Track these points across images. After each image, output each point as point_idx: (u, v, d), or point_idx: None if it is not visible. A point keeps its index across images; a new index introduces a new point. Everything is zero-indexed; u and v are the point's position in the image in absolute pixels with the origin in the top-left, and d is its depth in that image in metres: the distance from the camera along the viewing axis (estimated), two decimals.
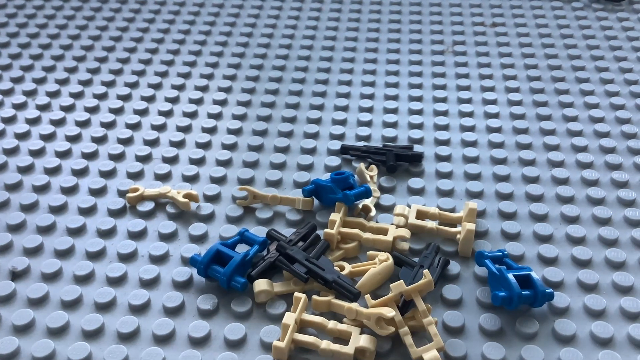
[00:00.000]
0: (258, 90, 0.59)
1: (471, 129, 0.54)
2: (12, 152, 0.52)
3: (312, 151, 0.52)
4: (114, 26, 0.68)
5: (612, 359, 0.37)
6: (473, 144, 0.53)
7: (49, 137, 0.53)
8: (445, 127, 0.55)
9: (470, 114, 0.56)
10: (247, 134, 0.54)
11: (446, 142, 0.53)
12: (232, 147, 0.53)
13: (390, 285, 0.38)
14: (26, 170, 0.50)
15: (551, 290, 0.39)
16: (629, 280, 0.41)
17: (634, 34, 0.67)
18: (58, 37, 0.66)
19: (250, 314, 0.40)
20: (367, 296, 0.38)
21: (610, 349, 0.38)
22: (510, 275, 0.39)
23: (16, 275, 0.42)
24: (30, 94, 0.58)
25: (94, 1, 0.72)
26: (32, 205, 0.47)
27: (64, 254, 0.43)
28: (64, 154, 0.52)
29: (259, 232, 0.44)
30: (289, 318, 0.37)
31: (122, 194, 0.48)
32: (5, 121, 0.55)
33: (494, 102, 0.58)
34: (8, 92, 0.58)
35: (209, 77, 0.61)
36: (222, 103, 0.58)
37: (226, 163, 0.51)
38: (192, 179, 0.50)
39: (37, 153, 0.52)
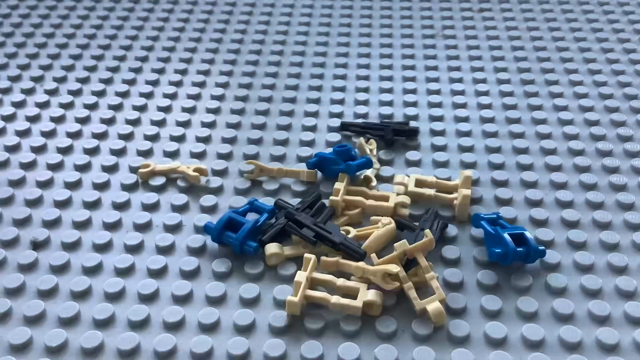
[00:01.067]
0: (258, 74, 0.62)
1: (463, 105, 0.57)
2: (24, 133, 0.54)
3: (313, 128, 0.55)
4: (115, 16, 0.70)
5: (602, 307, 0.40)
6: (465, 119, 0.56)
7: (59, 120, 0.55)
8: (439, 105, 0.58)
9: (461, 92, 0.59)
10: (250, 114, 0.57)
11: (440, 118, 0.56)
12: (236, 126, 0.55)
13: (395, 244, 0.41)
14: (39, 150, 0.52)
15: (543, 247, 0.42)
16: (616, 238, 0.44)
17: (614, 17, 0.70)
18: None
19: (263, 276, 0.42)
20: (373, 255, 0.41)
21: (600, 299, 0.40)
22: (506, 234, 0.41)
23: (37, 245, 0.44)
24: (38, 80, 0.60)
25: None
26: (48, 182, 0.49)
27: (82, 225, 0.45)
28: (75, 135, 0.54)
29: (267, 202, 0.47)
30: (301, 276, 0.40)
31: (133, 170, 0.50)
32: (16, 105, 0.57)
33: (483, 81, 0.61)
34: (17, 79, 0.60)
35: (211, 61, 0.63)
36: (225, 85, 0.60)
37: (232, 140, 0.53)
38: (199, 156, 0.52)
39: (49, 134, 0.54)
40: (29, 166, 0.50)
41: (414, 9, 0.72)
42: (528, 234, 0.42)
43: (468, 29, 0.69)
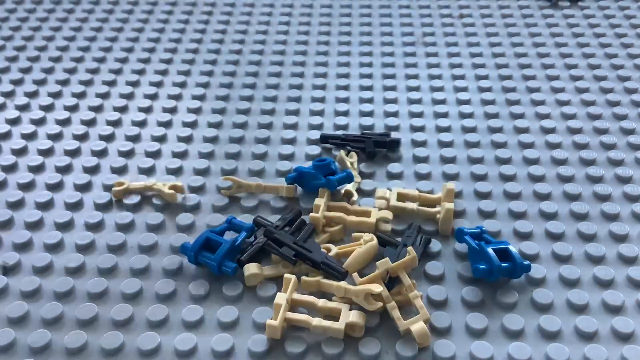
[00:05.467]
0: (235, 85, 0.60)
1: (444, 115, 0.56)
2: None
3: (292, 141, 0.54)
4: (88, 27, 0.69)
5: (588, 323, 0.39)
6: (447, 129, 0.55)
7: (30, 137, 0.54)
8: (420, 115, 0.57)
9: (442, 101, 0.58)
10: (228, 127, 0.55)
11: (421, 129, 0.55)
12: (213, 140, 0.54)
13: (377, 262, 0.40)
14: (10, 169, 0.50)
15: (528, 262, 0.41)
16: (601, 250, 0.43)
17: (594, 21, 0.70)
18: (32, 39, 0.67)
19: (242, 297, 0.41)
20: (355, 274, 0.40)
21: (587, 314, 0.40)
22: (490, 249, 0.41)
23: (8, 270, 0.42)
24: (9, 95, 0.59)
25: (67, 3, 0.72)
26: (18, 203, 0.47)
27: (54, 247, 0.44)
28: (46, 152, 0.52)
29: (246, 219, 0.45)
30: (281, 298, 0.38)
31: (107, 188, 0.49)
32: None
33: (464, 89, 0.60)
34: None
35: (186, 73, 0.62)
36: (201, 98, 0.59)
37: (209, 155, 0.52)
38: (176, 172, 0.50)
39: (20, 152, 0.52)
40: None
41: (394, 16, 0.71)
42: (512, 249, 0.41)
43: (448, 35, 0.68)
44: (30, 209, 0.47)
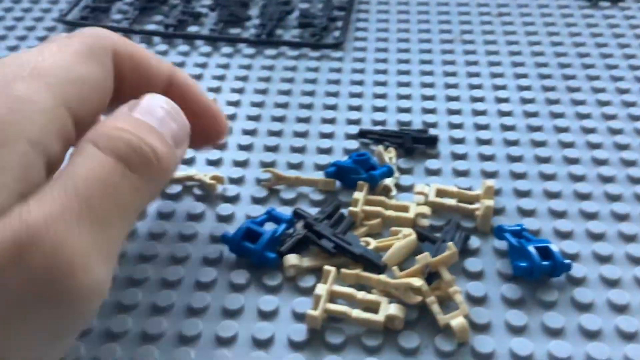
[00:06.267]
0: (274, 79, 0.61)
1: (483, 112, 0.56)
2: None
3: (330, 135, 0.54)
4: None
5: (629, 323, 0.39)
6: (486, 127, 0.55)
7: None
8: (458, 112, 0.56)
9: (481, 99, 0.58)
10: (266, 120, 0.56)
11: (459, 126, 0.55)
12: (252, 133, 0.54)
13: (416, 257, 0.40)
14: None
15: (569, 261, 0.41)
16: None
17: (635, 22, 0.69)
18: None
19: (282, 287, 0.41)
20: (395, 267, 0.40)
21: (628, 314, 0.39)
22: (531, 247, 0.40)
23: None
24: None
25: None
26: None
27: None
28: None
29: (285, 211, 0.46)
30: (321, 289, 0.39)
31: None
32: None
33: (503, 87, 0.60)
34: None
35: (225, 66, 0.62)
36: (240, 91, 0.59)
37: (248, 147, 0.53)
38: (215, 163, 0.51)
39: None
40: None
41: (432, 13, 0.71)
42: (553, 247, 0.41)
43: (487, 33, 0.68)
44: None
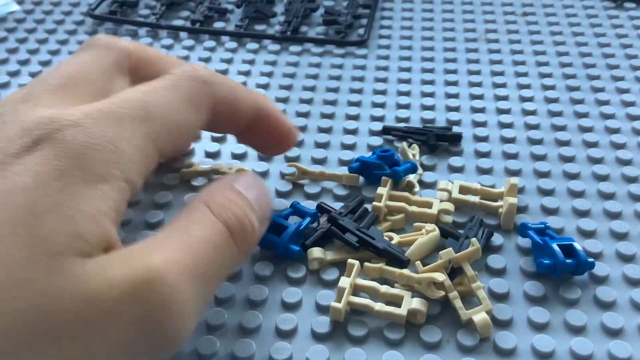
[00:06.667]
0: (298, 75, 0.61)
1: (507, 111, 0.56)
2: None
3: (354, 132, 0.54)
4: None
5: None
6: (510, 125, 0.55)
7: None
8: (482, 110, 0.57)
9: (505, 98, 0.58)
10: (291, 116, 0.56)
11: (483, 124, 0.55)
12: None
13: (440, 252, 0.40)
14: None
15: (592, 259, 0.41)
16: None
17: None
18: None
19: (305, 280, 0.42)
20: (418, 262, 0.40)
21: None
22: (555, 245, 0.41)
23: None
24: None
25: None
26: None
27: (124, 225, 0.45)
28: None
29: (309, 205, 0.46)
30: (345, 282, 0.39)
31: (176, 170, 0.50)
32: None
33: (528, 86, 0.60)
34: None
35: (251, 62, 0.63)
36: (265, 87, 0.60)
37: None
38: (240, 157, 0.52)
39: None
40: None
41: (456, 12, 0.71)
42: (577, 246, 0.41)
43: (511, 33, 0.68)
44: None
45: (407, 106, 0.57)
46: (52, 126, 0.29)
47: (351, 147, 0.53)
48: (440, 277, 0.39)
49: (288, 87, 0.60)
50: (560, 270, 0.40)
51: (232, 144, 0.53)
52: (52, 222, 0.27)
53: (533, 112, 0.56)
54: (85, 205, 0.28)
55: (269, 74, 0.61)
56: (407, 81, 0.61)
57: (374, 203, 0.45)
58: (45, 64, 0.63)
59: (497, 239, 0.44)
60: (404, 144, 0.51)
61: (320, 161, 0.51)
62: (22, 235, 0.26)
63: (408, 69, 0.62)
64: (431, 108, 0.57)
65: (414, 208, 0.45)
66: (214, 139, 0.53)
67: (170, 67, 0.38)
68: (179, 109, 0.35)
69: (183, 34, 0.67)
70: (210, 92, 0.37)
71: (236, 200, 0.34)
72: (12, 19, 0.70)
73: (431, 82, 0.60)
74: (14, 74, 0.61)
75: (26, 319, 0.25)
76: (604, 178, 0.49)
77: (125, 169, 0.31)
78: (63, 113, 0.30)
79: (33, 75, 0.61)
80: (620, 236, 0.44)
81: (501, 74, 0.61)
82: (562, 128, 0.54)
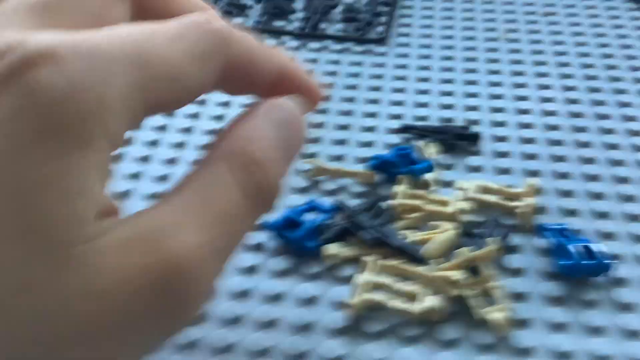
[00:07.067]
0: (317, 72, 0.61)
1: (527, 112, 0.56)
2: None
3: (371, 129, 0.54)
4: None
5: None
6: (529, 126, 0.54)
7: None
8: (501, 110, 0.56)
9: (525, 98, 0.58)
10: (308, 113, 0.56)
11: (502, 124, 0.55)
12: None
13: (456, 251, 0.40)
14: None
15: (611, 261, 0.41)
16: None
17: None
18: None
19: (321, 275, 0.42)
20: (434, 260, 0.40)
21: None
22: (573, 246, 0.40)
23: None
24: None
25: None
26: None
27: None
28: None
29: (325, 202, 0.46)
30: (361, 278, 0.39)
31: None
32: None
33: (548, 87, 0.59)
34: None
35: None
36: None
37: None
38: None
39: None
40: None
41: (476, 11, 0.71)
42: (596, 247, 0.41)
43: (532, 33, 0.67)
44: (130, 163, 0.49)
45: (425, 105, 0.57)
46: (23, 57, 0.21)
47: (369, 144, 0.53)
48: (457, 275, 0.39)
49: None
50: (579, 271, 0.40)
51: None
52: (46, 204, 0.21)
53: (553, 113, 0.56)
54: (75, 177, 0.22)
55: None
56: (426, 80, 0.60)
57: (391, 201, 0.45)
58: None
59: (515, 239, 0.44)
60: (422, 143, 0.51)
61: (338, 158, 0.51)
62: (12, 224, 0.21)
63: (427, 68, 0.62)
64: (450, 107, 0.57)
65: (431, 206, 0.45)
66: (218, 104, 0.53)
67: (185, 10, 0.31)
68: (181, 62, 0.28)
69: None
70: (224, 50, 0.30)
71: (264, 162, 0.28)
72: None
73: (450, 81, 0.60)
74: None
75: (29, 329, 0.21)
76: (623, 180, 0.49)
77: (110, 127, 0.24)
78: (40, 39, 0.22)
79: None
80: (639, 239, 0.44)
81: (521, 73, 0.61)
82: (583, 129, 0.54)
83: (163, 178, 0.49)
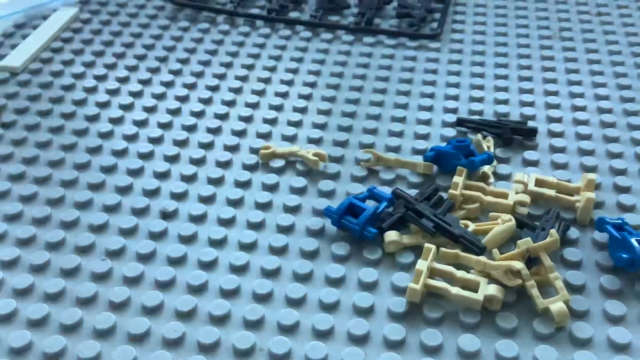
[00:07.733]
0: (372, 66, 0.62)
1: (583, 109, 0.56)
2: (152, 110, 0.57)
3: (427, 122, 0.55)
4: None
5: None
6: (585, 122, 0.55)
7: (184, 99, 0.58)
8: (557, 106, 0.57)
9: (580, 95, 0.58)
10: (365, 105, 0.57)
11: (558, 120, 0.55)
12: (351, 115, 0.56)
13: (518, 241, 0.41)
14: (166, 126, 0.55)
15: None
16: None
17: None
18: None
19: (381, 262, 0.43)
20: (495, 250, 0.41)
21: None
22: (633, 240, 0.41)
23: (167, 215, 0.46)
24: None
25: None
26: (174, 157, 0.51)
27: (207, 200, 0.47)
28: (198, 114, 0.56)
29: (384, 191, 0.47)
30: (422, 264, 0.40)
31: (254, 151, 0.52)
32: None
33: (603, 85, 0.59)
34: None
35: (325, 52, 0.64)
36: (339, 75, 0.61)
37: (347, 129, 0.54)
38: (316, 142, 0.53)
39: (174, 112, 0.56)
40: (157, 141, 0.53)
41: (530, 9, 0.71)
42: None
43: (586, 32, 0.67)
44: (185, 164, 0.51)
45: (480, 99, 0.58)
46: None
47: (424, 137, 0.54)
48: (518, 265, 0.39)
49: (362, 77, 0.61)
50: (639, 264, 0.40)
51: (307, 129, 0.54)
52: None
53: (609, 111, 0.56)
54: None
55: (343, 64, 0.63)
56: (481, 75, 0.61)
57: (450, 191, 0.46)
58: (128, 45, 0.65)
59: (573, 232, 0.44)
60: (479, 136, 0.52)
61: (394, 149, 0.52)
62: None
63: (481, 64, 0.63)
64: (505, 102, 0.57)
65: (489, 198, 0.46)
66: (290, 123, 0.55)
67: None
68: None
69: (259, 22, 0.69)
70: None
71: None
72: (95, 1, 0.72)
73: (505, 77, 0.61)
74: (98, 53, 0.64)
75: None
76: None
77: None
78: None
79: (117, 55, 0.64)
80: None
81: (576, 71, 0.61)
82: (638, 127, 0.54)
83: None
